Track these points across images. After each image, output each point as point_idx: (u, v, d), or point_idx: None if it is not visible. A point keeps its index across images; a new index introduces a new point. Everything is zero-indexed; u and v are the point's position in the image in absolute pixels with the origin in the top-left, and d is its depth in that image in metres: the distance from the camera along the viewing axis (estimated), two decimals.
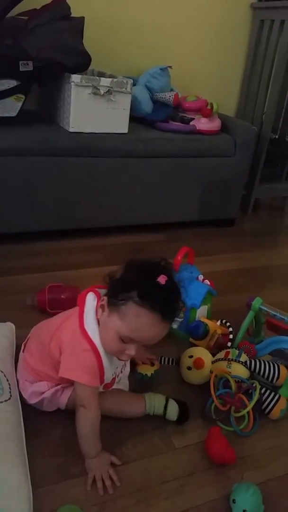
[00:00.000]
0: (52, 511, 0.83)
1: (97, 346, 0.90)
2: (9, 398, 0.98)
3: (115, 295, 0.87)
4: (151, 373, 1.17)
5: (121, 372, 1.04)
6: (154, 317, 0.84)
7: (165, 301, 0.85)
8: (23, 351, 1.08)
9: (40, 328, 1.07)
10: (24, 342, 1.10)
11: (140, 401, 1.05)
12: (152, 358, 1.20)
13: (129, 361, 1.08)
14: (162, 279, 0.84)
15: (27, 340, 1.09)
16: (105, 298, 0.91)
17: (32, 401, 1.01)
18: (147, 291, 0.84)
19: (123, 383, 1.09)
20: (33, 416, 1.01)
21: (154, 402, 1.05)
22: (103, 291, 0.96)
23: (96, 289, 0.98)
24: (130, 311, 0.85)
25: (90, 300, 0.95)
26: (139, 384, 1.14)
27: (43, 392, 1.00)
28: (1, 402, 0.96)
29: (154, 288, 0.84)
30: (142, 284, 0.85)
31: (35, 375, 1.02)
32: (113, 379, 1.00)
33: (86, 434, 0.92)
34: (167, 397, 1.06)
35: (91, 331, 0.91)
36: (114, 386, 1.04)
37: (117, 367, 1.00)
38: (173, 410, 1.05)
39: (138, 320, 0.84)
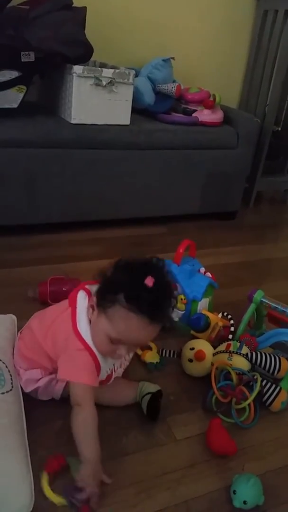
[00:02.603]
0: (53, 503, 0.83)
1: (90, 345, 0.90)
2: (11, 389, 0.98)
3: (103, 296, 0.87)
4: (159, 359, 1.21)
5: (120, 367, 1.04)
6: (141, 320, 0.83)
7: (153, 303, 0.83)
8: (18, 339, 1.09)
9: (34, 319, 1.07)
10: (20, 331, 1.11)
11: (133, 388, 1.06)
12: None
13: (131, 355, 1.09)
14: (149, 281, 0.82)
15: (23, 329, 1.10)
16: (94, 298, 0.90)
17: (28, 388, 1.02)
18: (134, 294, 0.82)
19: (118, 373, 1.09)
20: (34, 408, 1.01)
21: (143, 391, 1.05)
22: (94, 288, 0.94)
23: (87, 286, 0.97)
24: (117, 314, 0.84)
25: (81, 299, 0.95)
26: (149, 372, 1.18)
27: (38, 380, 1.00)
28: (3, 393, 0.96)
29: (141, 291, 0.82)
30: (129, 286, 0.83)
31: (28, 362, 1.03)
32: (109, 376, 1.00)
33: (81, 434, 0.87)
34: (155, 392, 1.04)
35: (84, 331, 0.91)
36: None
37: (114, 364, 1.00)
38: (145, 403, 1.03)
39: (126, 323, 0.84)
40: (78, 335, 0.91)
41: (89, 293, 0.95)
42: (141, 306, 0.82)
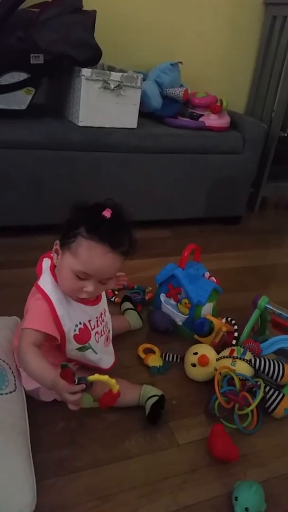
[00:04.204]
0: (55, 504, 0.84)
1: (47, 293, 0.95)
2: (14, 390, 0.99)
3: (66, 235, 0.93)
4: (162, 363, 1.22)
5: (97, 325, 1.03)
6: (103, 247, 0.90)
7: (112, 232, 0.90)
8: (13, 340, 1.11)
9: None
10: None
11: (136, 391, 1.06)
12: (122, 280, 1.20)
13: (110, 321, 1.11)
14: (107, 213, 0.90)
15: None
16: (58, 242, 0.96)
17: (29, 387, 1.02)
18: (93, 225, 0.90)
19: (109, 352, 1.11)
20: (37, 409, 1.01)
21: (146, 394, 1.05)
22: None
23: (51, 254, 1.01)
24: (80, 245, 0.90)
25: (45, 263, 1.01)
26: (151, 376, 1.18)
27: None
28: (6, 393, 0.96)
29: (100, 222, 0.90)
30: (88, 219, 0.90)
31: None
32: (84, 330, 0.99)
33: (24, 369, 0.92)
34: (159, 395, 1.05)
35: (43, 282, 0.97)
36: (102, 353, 1.05)
37: (89, 319, 1.01)
38: (149, 405, 1.04)
39: (89, 253, 0.90)
40: (37, 287, 0.97)
41: (51, 258, 1.00)
42: (101, 235, 0.89)
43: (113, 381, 0.84)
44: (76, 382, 0.81)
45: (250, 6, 2.28)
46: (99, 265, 0.91)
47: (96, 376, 0.83)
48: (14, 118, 1.64)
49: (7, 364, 1.03)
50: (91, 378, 0.82)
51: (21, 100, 1.64)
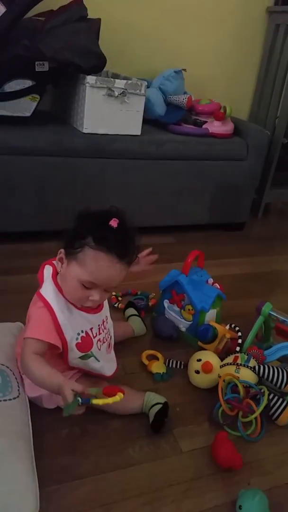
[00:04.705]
0: (58, 511, 0.83)
1: (49, 302, 0.94)
2: (18, 396, 0.99)
3: (72, 244, 0.92)
4: (166, 369, 1.21)
5: (99, 333, 1.03)
6: (111, 258, 0.90)
7: (119, 242, 0.90)
8: (16, 347, 1.11)
9: None
10: None
11: (139, 398, 1.06)
12: (150, 258, 1.24)
13: (112, 328, 1.11)
14: (114, 223, 0.90)
15: None
16: (62, 250, 0.95)
17: (31, 393, 1.02)
18: (101, 235, 0.89)
19: (111, 359, 1.11)
20: (40, 415, 1.01)
21: (150, 401, 1.05)
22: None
23: (53, 261, 1.01)
24: (87, 256, 0.90)
25: (47, 271, 1.00)
26: (155, 383, 1.18)
27: None
28: (10, 399, 0.96)
29: (108, 232, 0.89)
30: (95, 229, 0.90)
31: None
32: (87, 338, 0.99)
33: (35, 379, 0.90)
34: (163, 403, 1.05)
35: (45, 290, 0.96)
36: (104, 361, 1.05)
37: (91, 327, 1.00)
38: (153, 414, 1.04)
39: (97, 263, 0.89)
40: (39, 295, 0.96)
41: (53, 266, 1.00)
42: (109, 245, 0.89)
43: (117, 398, 0.84)
44: (80, 403, 0.81)
45: (254, 14, 2.30)
46: (107, 276, 0.91)
47: (101, 400, 0.82)
48: (19, 125, 1.66)
49: (11, 370, 1.04)
50: (95, 401, 0.82)
51: (26, 107, 1.65)
